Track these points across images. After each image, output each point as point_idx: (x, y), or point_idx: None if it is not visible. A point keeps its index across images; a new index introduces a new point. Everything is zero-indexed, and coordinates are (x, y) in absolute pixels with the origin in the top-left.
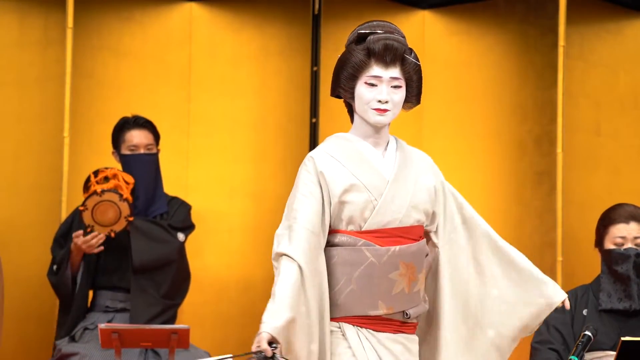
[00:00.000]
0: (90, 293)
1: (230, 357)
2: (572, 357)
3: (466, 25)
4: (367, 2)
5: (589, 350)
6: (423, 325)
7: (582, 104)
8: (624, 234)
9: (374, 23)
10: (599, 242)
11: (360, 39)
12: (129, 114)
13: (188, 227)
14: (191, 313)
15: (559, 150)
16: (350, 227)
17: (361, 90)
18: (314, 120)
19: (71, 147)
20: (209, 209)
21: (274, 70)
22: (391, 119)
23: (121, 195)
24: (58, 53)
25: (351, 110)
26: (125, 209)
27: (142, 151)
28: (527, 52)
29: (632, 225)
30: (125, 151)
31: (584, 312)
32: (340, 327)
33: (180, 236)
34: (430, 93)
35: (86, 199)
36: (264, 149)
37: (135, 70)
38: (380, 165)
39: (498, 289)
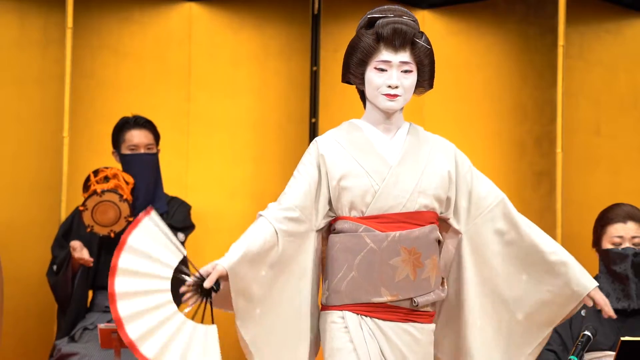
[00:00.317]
0: (90, 293)
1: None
2: (571, 357)
3: (466, 25)
4: (367, 2)
5: (587, 351)
6: (446, 312)
7: (581, 104)
8: (621, 233)
9: (385, 7)
10: (597, 242)
11: (370, 23)
12: (128, 114)
13: (188, 227)
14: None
15: (559, 150)
16: (353, 213)
17: (371, 75)
18: (313, 120)
19: (71, 147)
20: (209, 209)
21: (274, 70)
22: (402, 104)
23: (121, 196)
24: (58, 53)
25: (364, 97)
26: (125, 209)
27: (142, 151)
28: (526, 52)
29: (630, 224)
30: (125, 151)
31: (582, 312)
32: (343, 318)
33: (180, 236)
34: (430, 93)
35: (86, 199)
36: (264, 149)
37: (135, 70)
38: (386, 150)
39: (527, 274)
